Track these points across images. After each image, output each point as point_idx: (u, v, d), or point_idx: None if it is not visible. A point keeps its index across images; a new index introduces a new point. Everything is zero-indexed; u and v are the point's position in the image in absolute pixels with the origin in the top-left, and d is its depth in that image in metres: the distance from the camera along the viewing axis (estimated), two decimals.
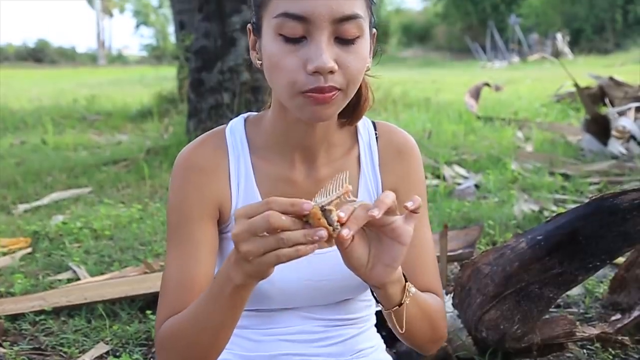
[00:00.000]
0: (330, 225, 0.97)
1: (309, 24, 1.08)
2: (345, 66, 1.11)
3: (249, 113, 1.35)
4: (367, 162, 1.35)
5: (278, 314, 1.34)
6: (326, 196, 1.00)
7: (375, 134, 1.37)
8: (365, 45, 1.15)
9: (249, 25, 1.23)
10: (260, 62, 1.19)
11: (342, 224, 0.98)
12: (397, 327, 1.19)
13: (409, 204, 1.04)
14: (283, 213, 0.95)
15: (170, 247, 1.26)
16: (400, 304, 1.16)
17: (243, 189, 1.28)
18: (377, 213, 0.99)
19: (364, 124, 1.37)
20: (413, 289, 1.17)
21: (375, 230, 1.06)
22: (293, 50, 1.10)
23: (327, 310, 1.36)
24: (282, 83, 1.12)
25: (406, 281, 1.17)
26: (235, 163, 1.28)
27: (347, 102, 1.17)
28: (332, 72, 1.09)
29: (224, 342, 1.16)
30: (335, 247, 1.29)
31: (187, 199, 1.25)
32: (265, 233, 0.96)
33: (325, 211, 0.97)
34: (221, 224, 1.30)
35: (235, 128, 1.31)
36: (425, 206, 1.39)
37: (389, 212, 1.03)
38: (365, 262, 1.08)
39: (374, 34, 1.24)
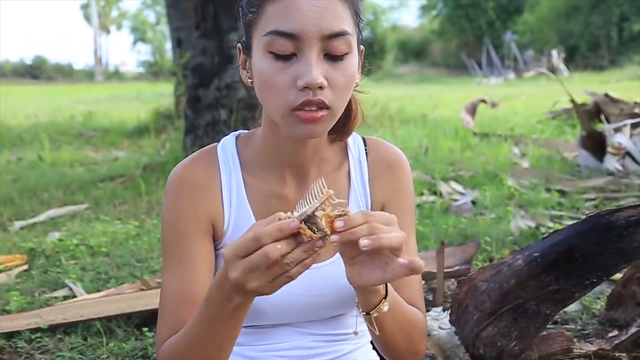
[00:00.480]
0: (320, 230, 0.97)
1: (299, 41, 1.10)
2: (334, 82, 1.13)
3: (240, 131, 1.37)
4: (357, 177, 1.36)
5: (273, 330, 1.35)
6: (307, 205, 0.99)
7: (365, 149, 1.39)
8: (353, 61, 1.17)
9: (238, 44, 1.24)
10: (251, 80, 1.21)
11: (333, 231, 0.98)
12: (371, 328, 1.20)
13: (403, 262, 1.02)
14: (274, 241, 0.95)
15: (166, 265, 1.27)
16: (368, 313, 1.17)
17: (235, 205, 1.29)
18: (366, 244, 0.98)
19: (354, 140, 1.39)
20: (385, 308, 1.16)
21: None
22: (283, 67, 1.12)
23: (322, 326, 1.37)
24: (273, 100, 1.14)
25: (385, 297, 1.16)
26: (227, 180, 1.29)
27: (337, 118, 1.19)
28: (321, 87, 1.11)
29: (228, 354, 1.17)
30: (329, 261, 1.30)
31: (181, 216, 1.26)
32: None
33: (310, 221, 0.97)
34: (215, 240, 1.30)
35: (226, 146, 1.33)
36: (413, 221, 1.41)
37: (395, 251, 1.02)
38: (349, 257, 1.07)
39: (362, 50, 1.26)
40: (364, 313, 1.18)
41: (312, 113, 1.12)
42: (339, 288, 1.30)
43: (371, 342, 1.48)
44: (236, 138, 1.34)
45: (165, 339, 1.22)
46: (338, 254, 1.30)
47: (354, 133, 1.38)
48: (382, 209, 1.36)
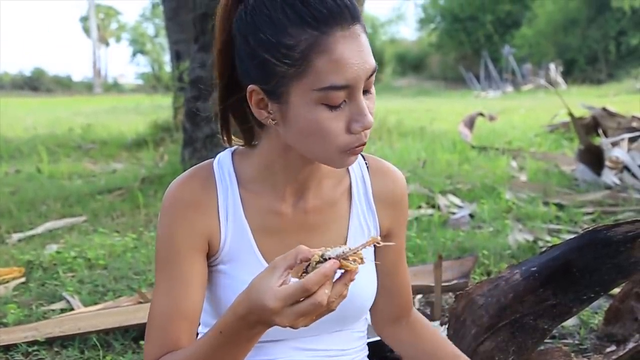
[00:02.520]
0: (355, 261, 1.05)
1: (351, 89, 1.12)
2: (371, 114, 1.16)
3: (235, 147, 1.35)
4: (360, 194, 1.37)
5: (269, 346, 1.34)
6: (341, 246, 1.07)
7: (366, 164, 1.40)
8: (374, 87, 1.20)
9: (253, 87, 1.17)
10: (275, 122, 1.18)
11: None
12: None
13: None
14: (320, 287, 1.02)
15: (158, 282, 1.27)
16: None
17: (232, 221, 1.29)
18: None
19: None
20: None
21: None
22: (335, 115, 1.13)
23: (318, 341, 1.37)
24: (326, 146, 1.15)
25: None
26: (224, 196, 1.29)
27: None
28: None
29: None
30: None
31: (177, 234, 1.26)
32: None
33: (344, 258, 1.05)
34: (210, 256, 1.30)
35: (222, 161, 1.32)
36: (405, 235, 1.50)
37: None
38: None
39: None
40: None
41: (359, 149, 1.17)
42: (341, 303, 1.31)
43: (368, 357, 1.48)
44: (232, 154, 1.34)
45: (155, 356, 1.22)
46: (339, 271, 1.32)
47: None
48: (387, 234, 1.41)
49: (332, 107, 1.12)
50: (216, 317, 1.34)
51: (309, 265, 1.04)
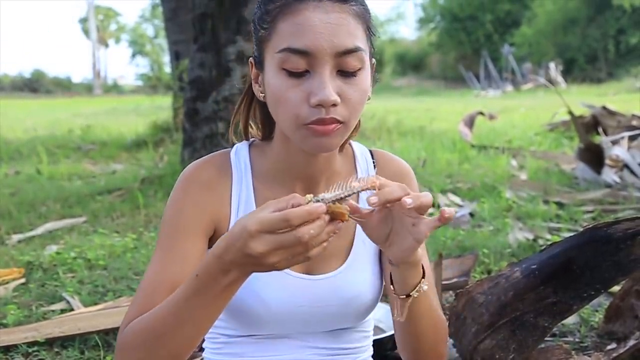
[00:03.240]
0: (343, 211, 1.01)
1: (312, 58, 1.11)
2: (347, 99, 1.13)
3: (253, 139, 1.37)
4: (367, 191, 1.36)
5: (272, 341, 1.34)
6: (335, 191, 1.03)
7: (373, 162, 1.39)
8: (366, 76, 1.17)
9: (250, 59, 1.25)
10: (264, 94, 1.21)
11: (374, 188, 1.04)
12: (400, 314, 1.20)
13: (446, 212, 1.04)
14: (302, 223, 0.97)
15: (157, 252, 1.26)
16: (409, 295, 1.17)
17: (243, 210, 1.29)
18: (409, 202, 1.03)
19: (361, 152, 1.40)
20: (425, 286, 1.18)
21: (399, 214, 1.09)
22: (296, 84, 1.12)
23: (322, 339, 1.36)
24: (286, 116, 1.14)
25: (423, 277, 1.18)
26: (238, 185, 1.30)
27: (349, 133, 1.20)
28: (334, 105, 1.11)
29: (201, 337, 1.14)
30: (334, 273, 1.30)
31: (186, 210, 1.26)
32: None
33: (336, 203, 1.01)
34: (214, 241, 1.30)
35: (240, 152, 1.34)
36: None
37: (420, 209, 1.05)
38: (384, 239, 1.11)
39: (374, 63, 1.26)
40: (404, 296, 1.18)
41: (325, 126, 1.12)
42: (343, 300, 1.31)
43: (372, 357, 1.48)
44: (249, 146, 1.35)
45: (133, 317, 1.19)
46: (343, 266, 1.31)
47: (360, 145, 1.41)
48: None
49: (292, 73, 1.12)
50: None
51: None
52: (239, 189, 1.30)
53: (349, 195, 1.03)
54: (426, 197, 1.05)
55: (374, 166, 1.39)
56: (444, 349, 1.33)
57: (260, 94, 1.23)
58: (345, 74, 1.14)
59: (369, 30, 1.20)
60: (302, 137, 1.15)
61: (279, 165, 1.30)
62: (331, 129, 1.13)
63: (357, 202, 1.27)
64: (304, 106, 1.12)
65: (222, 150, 1.34)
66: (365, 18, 1.17)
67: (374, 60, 1.26)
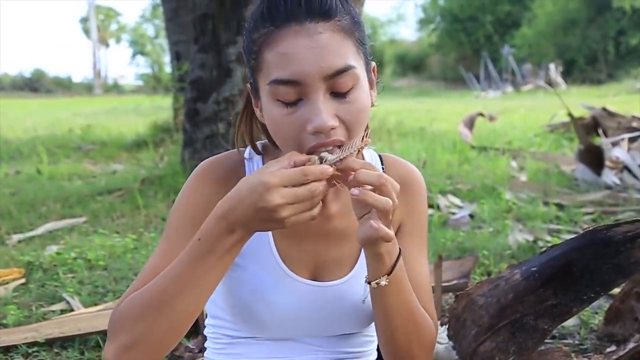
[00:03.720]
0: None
1: (302, 87, 1.09)
2: (345, 119, 1.12)
3: (265, 141, 1.36)
4: None
5: (276, 344, 1.35)
6: (342, 152, 1.10)
7: (382, 168, 1.38)
8: (362, 91, 1.14)
9: (248, 85, 1.23)
10: (264, 118, 1.20)
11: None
12: (363, 296, 1.25)
13: (374, 224, 1.09)
14: (317, 180, 1.04)
15: (162, 241, 1.26)
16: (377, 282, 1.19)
17: None
18: (355, 193, 1.08)
19: (371, 157, 1.39)
20: (384, 282, 1.18)
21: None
22: (291, 112, 1.11)
23: (327, 343, 1.37)
24: (287, 145, 1.14)
25: (388, 274, 1.18)
26: None
27: None
28: (333, 128, 1.10)
29: (201, 307, 1.14)
30: (341, 280, 1.30)
31: (196, 203, 1.26)
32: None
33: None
34: None
35: (253, 153, 1.33)
36: (425, 241, 1.41)
37: (366, 206, 1.11)
38: (359, 216, 1.14)
39: (373, 67, 1.24)
40: (367, 282, 1.20)
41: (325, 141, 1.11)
42: (349, 307, 1.30)
43: None
44: (263, 146, 1.34)
45: (127, 297, 1.18)
46: (350, 274, 1.31)
47: (370, 150, 1.39)
48: (399, 228, 1.37)
49: (286, 103, 1.11)
50: (225, 308, 1.34)
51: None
52: None
53: (347, 156, 1.09)
54: (381, 199, 1.08)
55: (383, 171, 1.38)
56: (418, 350, 1.30)
57: (262, 118, 1.21)
58: (339, 94, 1.11)
59: (360, 42, 1.16)
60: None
61: None
62: (331, 142, 1.12)
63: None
64: (303, 134, 1.11)
65: (235, 151, 1.33)
66: (353, 30, 1.14)
67: (373, 64, 1.24)
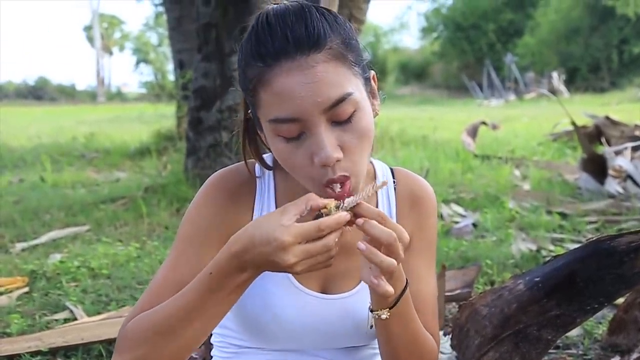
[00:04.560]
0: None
1: (302, 123, 1.08)
2: (350, 146, 1.11)
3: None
4: (385, 210, 1.35)
5: (283, 355, 1.35)
6: (358, 197, 1.09)
7: (394, 182, 1.38)
8: (363, 113, 1.13)
9: (249, 111, 1.21)
10: (269, 146, 1.19)
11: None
12: (367, 323, 1.23)
13: (374, 281, 1.09)
14: (332, 231, 1.04)
15: (171, 254, 1.26)
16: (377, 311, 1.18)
17: None
18: (362, 247, 1.07)
19: (382, 172, 1.38)
20: (384, 316, 1.17)
21: None
22: (297, 146, 1.10)
23: (334, 355, 1.37)
24: (302, 179, 1.14)
25: (390, 308, 1.17)
26: (260, 198, 1.30)
27: (364, 175, 1.17)
28: (338, 160, 1.09)
29: (207, 334, 1.15)
30: (349, 293, 1.30)
31: (206, 215, 1.26)
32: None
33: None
34: None
35: (264, 170, 1.33)
36: (433, 257, 1.40)
37: (385, 274, 1.09)
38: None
39: (373, 75, 1.22)
40: (370, 310, 1.20)
41: (340, 193, 1.11)
42: (357, 320, 1.30)
43: None
44: (274, 160, 1.32)
45: (135, 316, 1.19)
46: (358, 287, 1.31)
47: (381, 163, 1.39)
48: (409, 243, 1.36)
49: (289, 139, 1.10)
50: (232, 319, 1.34)
51: (319, 214, 1.06)
52: (262, 203, 1.30)
53: (364, 198, 1.08)
54: (387, 261, 1.06)
55: (395, 185, 1.38)
56: None
57: (267, 143, 1.20)
58: (340, 122, 1.10)
59: (354, 63, 1.13)
60: (319, 190, 1.12)
61: (300, 189, 1.27)
62: (347, 189, 1.11)
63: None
64: (312, 167, 1.10)
65: (248, 161, 1.32)
66: (346, 54, 1.11)
67: (372, 72, 1.22)
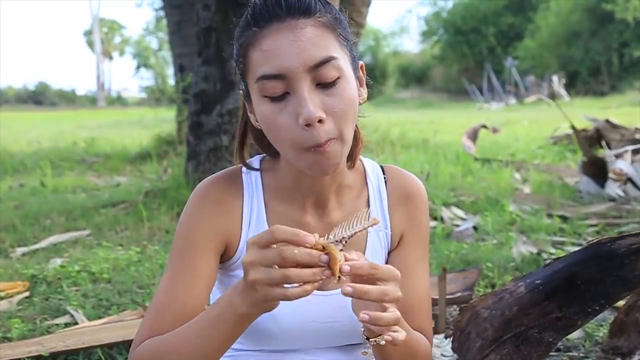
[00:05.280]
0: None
1: (287, 80, 1.12)
2: (332, 110, 1.13)
3: (264, 155, 1.38)
4: (377, 206, 1.37)
5: (281, 356, 1.35)
6: (346, 230, 1.05)
7: (384, 178, 1.39)
8: (348, 84, 1.16)
9: (240, 92, 1.27)
10: (258, 123, 1.23)
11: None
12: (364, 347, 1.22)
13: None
14: (287, 242, 0.99)
15: (168, 270, 1.28)
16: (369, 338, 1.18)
17: (254, 227, 1.30)
18: (366, 318, 1.07)
19: (372, 168, 1.40)
20: (382, 342, 1.15)
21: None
22: (281, 107, 1.13)
23: (332, 354, 1.37)
24: (284, 143, 1.16)
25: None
26: (249, 201, 1.31)
27: (349, 145, 1.19)
28: (320, 120, 1.11)
29: None
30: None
31: (197, 228, 1.28)
32: (275, 266, 0.99)
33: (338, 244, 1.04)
34: (226, 259, 1.31)
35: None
36: (426, 253, 1.41)
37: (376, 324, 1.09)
38: None
39: (361, 65, 1.26)
40: (365, 337, 1.19)
41: (321, 147, 1.12)
42: (353, 317, 1.30)
43: None
44: (261, 161, 1.36)
45: (143, 338, 1.22)
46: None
47: (371, 161, 1.41)
48: (400, 239, 1.38)
49: (274, 99, 1.14)
50: None
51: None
52: (250, 205, 1.31)
53: (352, 236, 1.05)
54: (388, 317, 1.07)
55: (385, 182, 1.39)
56: None
57: (256, 123, 1.24)
58: (324, 85, 1.13)
59: (342, 37, 1.19)
60: (302, 158, 1.15)
61: (288, 183, 1.31)
62: (325, 146, 1.13)
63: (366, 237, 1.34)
64: (297, 129, 1.12)
65: (234, 167, 1.35)
66: (334, 26, 1.17)
67: (360, 62, 1.26)
